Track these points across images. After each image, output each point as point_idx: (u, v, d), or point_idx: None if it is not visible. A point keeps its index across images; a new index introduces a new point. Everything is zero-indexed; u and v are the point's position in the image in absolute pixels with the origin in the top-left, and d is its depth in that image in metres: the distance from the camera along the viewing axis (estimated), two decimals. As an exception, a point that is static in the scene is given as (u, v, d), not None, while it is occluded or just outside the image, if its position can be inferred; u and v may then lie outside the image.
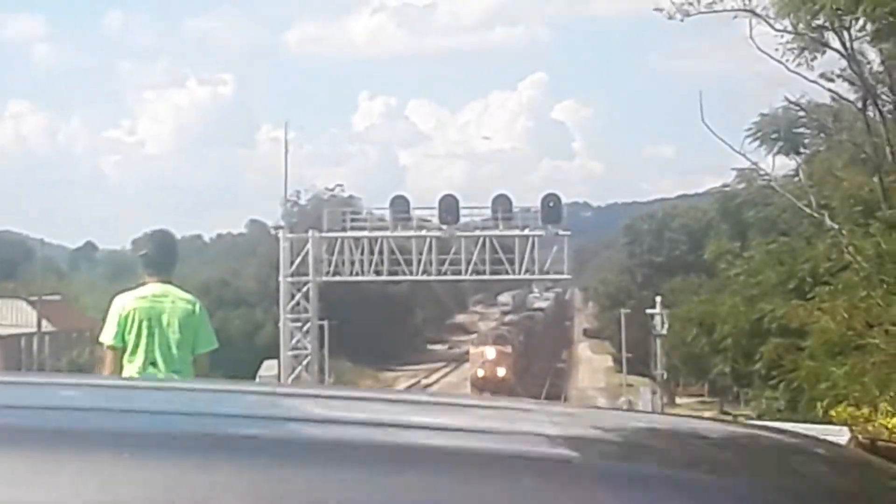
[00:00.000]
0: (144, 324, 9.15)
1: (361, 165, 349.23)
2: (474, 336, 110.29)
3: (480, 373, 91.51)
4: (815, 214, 38.46)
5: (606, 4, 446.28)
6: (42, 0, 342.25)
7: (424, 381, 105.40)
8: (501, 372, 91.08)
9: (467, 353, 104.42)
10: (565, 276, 77.98)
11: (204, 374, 9.42)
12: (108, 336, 9.26)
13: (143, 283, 9.35)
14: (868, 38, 32.85)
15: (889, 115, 34.83)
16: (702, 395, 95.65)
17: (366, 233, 70.33)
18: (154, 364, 9.10)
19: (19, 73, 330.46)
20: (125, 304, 9.25)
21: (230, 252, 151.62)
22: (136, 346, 9.14)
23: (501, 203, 68.98)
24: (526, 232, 68.57)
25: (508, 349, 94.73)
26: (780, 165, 43.89)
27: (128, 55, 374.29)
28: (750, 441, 3.01)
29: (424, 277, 72.23)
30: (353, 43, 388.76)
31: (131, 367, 9.14)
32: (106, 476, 2.21)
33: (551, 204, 68.34)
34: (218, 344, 9.39)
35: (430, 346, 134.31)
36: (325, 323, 75.99)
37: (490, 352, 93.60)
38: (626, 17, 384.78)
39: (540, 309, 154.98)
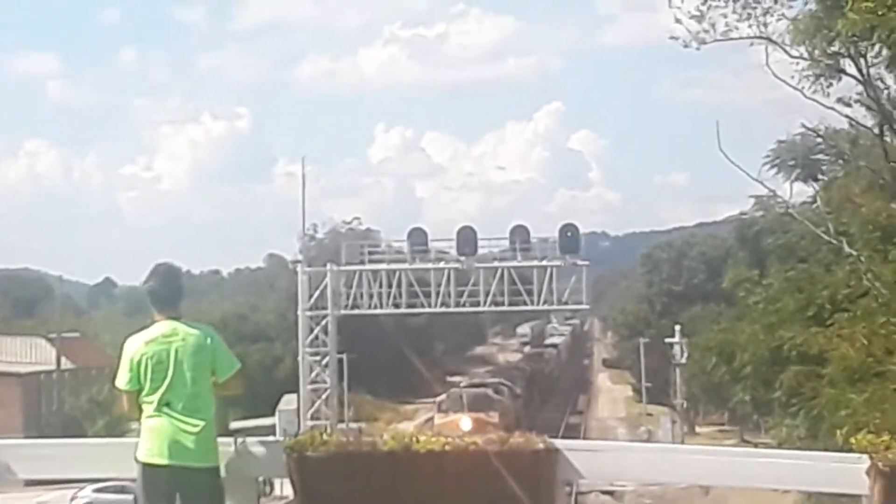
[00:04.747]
0: (158, 367, 9.09)
1: (378, 198, 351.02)
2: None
3: None
4: (834, 241, 38.29)
5: (618, 33, 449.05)
6: (55, 38, 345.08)
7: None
8: None
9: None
10: (584, 307, 77.83)
11: (238, 395, 9.53)
12: (122, 381, 9.23)
13: (152, 322, 9.29)
14: (884, 64, 32.76)
15: (906, 141, 34.74)
16: (722, 424, 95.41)
17: (384, 265, 70.23)
18: (169, 405, 9.06)
19: (34, 111, 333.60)
20: (136, 347, 9.20)
21: (248, 286, 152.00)
22: (154, 389, 9.09)
23: (519, 234, 68.83)
24: (544, 262, 68.36)
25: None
26: (798, 192, 43.83)
27: (142, 91, 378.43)
28: None
29: (443, 309, 71.79)
30: (366, 75, 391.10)
31: (149, 408, 9.16)
32: None
33: (569, 234, 68.19)
34: (239, 363, 9.37)
35: (449, 379, 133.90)
36: (344, 356, 75.94)
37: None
38: (638, 46, 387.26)
39: (553, 345, 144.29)
